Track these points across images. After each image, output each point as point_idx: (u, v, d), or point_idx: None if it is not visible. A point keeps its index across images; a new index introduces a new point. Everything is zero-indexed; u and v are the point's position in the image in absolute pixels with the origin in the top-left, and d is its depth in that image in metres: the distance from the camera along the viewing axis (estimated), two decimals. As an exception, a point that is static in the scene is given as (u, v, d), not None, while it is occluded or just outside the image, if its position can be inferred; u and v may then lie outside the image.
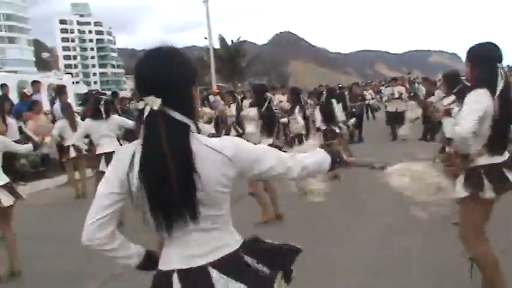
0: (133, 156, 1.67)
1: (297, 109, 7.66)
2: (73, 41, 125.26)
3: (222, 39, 44.17)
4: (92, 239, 1.71)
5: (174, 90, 1.66)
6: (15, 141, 5.64)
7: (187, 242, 1.72)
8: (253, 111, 6.17)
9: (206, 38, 32.46)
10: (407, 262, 4.48)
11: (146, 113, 1.63)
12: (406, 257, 4.61)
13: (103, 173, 5.62)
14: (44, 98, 14.06)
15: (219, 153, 1.67)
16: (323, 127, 8.71)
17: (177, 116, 1.66)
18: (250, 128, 6.02)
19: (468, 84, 3.27)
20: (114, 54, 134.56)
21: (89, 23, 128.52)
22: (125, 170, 1.67)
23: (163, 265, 1.76)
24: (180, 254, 1.72)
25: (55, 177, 10.53)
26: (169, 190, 1.62)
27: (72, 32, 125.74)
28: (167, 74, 1.66)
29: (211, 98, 15.80)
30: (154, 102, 1.62)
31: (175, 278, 1.70)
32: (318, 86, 11.08)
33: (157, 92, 1.63)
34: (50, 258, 5.33)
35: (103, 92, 13.94)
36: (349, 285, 4.12)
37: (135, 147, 1.69)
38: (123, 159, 1.69)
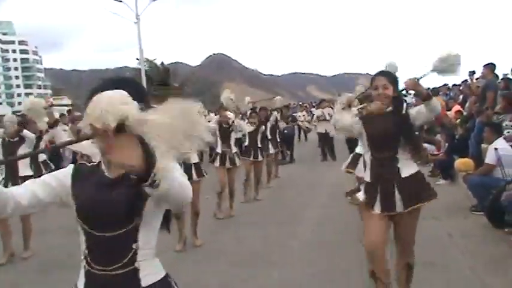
0: None
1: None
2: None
3: (149, 62, 43.45)
4: None
5: None
6: None
7: None
8: None
9: (138, 59, 31.99)
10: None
11: None
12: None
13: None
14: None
15: None
16: None
17: None
18: None
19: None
20: (41, 75, 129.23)
21: (12, 42, 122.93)
22: None
23: None
24: None
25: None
26: None
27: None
28: None
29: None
30: None
31: None
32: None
33: None
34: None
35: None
36: None
37: None
38: None
